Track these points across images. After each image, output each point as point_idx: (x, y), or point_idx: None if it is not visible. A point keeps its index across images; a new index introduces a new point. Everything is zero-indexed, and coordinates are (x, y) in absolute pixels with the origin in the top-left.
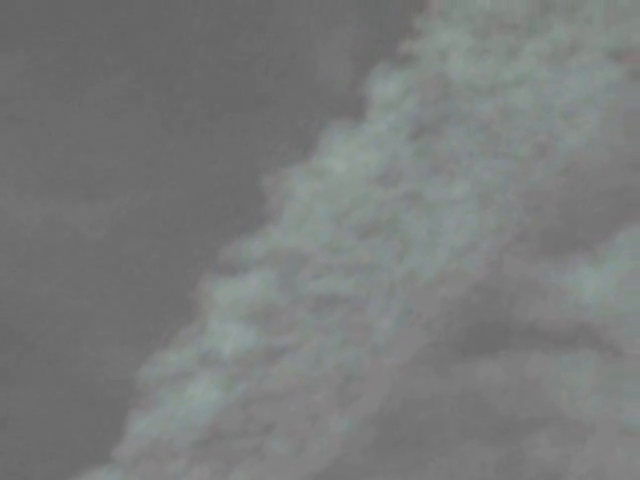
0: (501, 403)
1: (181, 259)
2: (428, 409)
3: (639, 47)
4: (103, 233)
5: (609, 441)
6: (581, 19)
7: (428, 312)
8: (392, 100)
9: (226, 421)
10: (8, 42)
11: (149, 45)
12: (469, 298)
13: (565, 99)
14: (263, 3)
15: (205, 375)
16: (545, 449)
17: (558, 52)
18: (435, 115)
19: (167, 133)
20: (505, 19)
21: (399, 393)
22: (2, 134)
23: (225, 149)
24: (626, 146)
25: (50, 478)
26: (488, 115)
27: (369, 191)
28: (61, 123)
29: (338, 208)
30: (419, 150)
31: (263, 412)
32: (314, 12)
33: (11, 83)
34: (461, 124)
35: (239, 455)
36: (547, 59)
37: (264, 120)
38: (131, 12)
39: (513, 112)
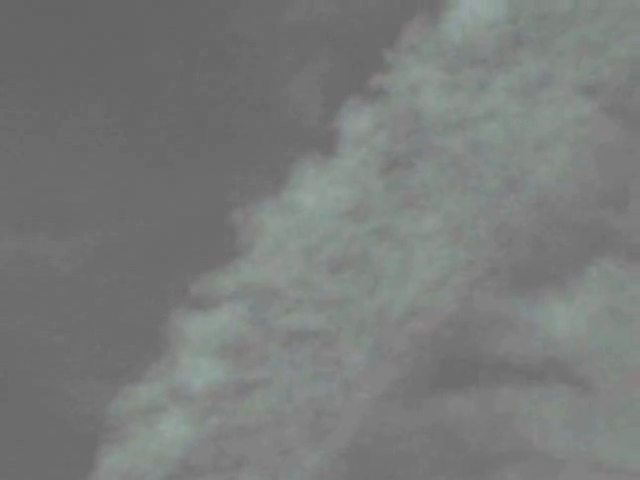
0: (472, 437)
1: (152, 293)
2: (399, 443)
3: (610, 82)
4: (74, 267)
5: (580, 476)
6: (552, 53)
7: (399, 346)
8: (363, 134)
9: (197, 456)
10: None
11: (120, 80)
12: (440, 333)
13: (536, 133)
14: (235, 38)
15: (176, 409)
16: None
17: (529, 86)
18: (406, 149)
19: (138, 167)
20: (476, 53)
21: (370, 427)
22: None
23: (196, 183)
24: (597, 181)
25: None
26: (459, 150)
27: (340, 226)
28: (32, 158)
29: (309, 243)
30: (390, 185)
31: (234, 446)
32: (285, 47)
33: None
34: (432, 159)
35: None
36: (518, 93)
37: (235, 154)
38: (103, 47)
39: (484, 146)
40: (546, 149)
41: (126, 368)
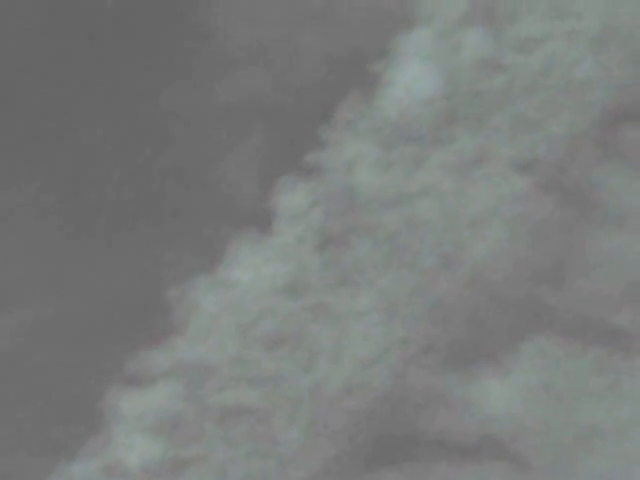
0: None
1: (87, 370)
2: None
3: (545, 158)
4: (8, 344)
5: None
6: (487, 130)
7: (334, 423)
8: (298, 211)
9: None
10: None
11: (54, 156)
12: (375, 409)
13: (471, 210)
14: (169, 115)
15: None
16: None
17: (464, 163)
18: (341, 226)
19: (72, 244)
20: (411, 130)
21: None
22: None
23: (131, 260)
24: (532, 257)
25: None
26: (394, 226)
27: (275, 303)
28: None
29: (244, 320)
30: (325, 261)
31: None
32: (220, 124)
33: None
34: (367, 235)
35: None
36: (453, 170)
37: (170, 231)
38: (36, 122)
39: (419, 223)
40: (481, 226)
41: (61, 445)
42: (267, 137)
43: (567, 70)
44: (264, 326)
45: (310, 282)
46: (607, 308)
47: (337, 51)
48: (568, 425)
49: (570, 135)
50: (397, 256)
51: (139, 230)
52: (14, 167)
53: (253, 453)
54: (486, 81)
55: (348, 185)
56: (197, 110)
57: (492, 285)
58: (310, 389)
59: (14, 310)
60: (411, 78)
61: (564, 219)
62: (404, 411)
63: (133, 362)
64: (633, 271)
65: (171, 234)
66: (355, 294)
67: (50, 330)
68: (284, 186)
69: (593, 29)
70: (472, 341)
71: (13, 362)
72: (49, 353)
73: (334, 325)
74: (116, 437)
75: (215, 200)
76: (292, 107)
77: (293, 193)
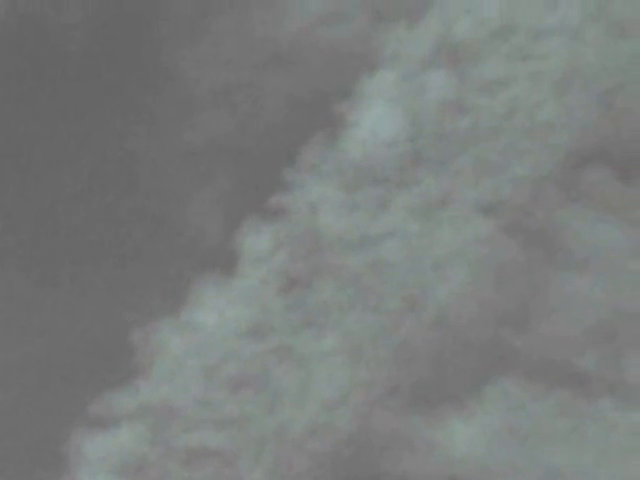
0: None
1: (51, 413)
2: None
3: (509, 201)
4: None
5: None
6: (452, 172)
7: (298, 465)
8: (263, 254)
9: None
10: None
11: (18, 199)
12: (339, 451)
13: (435, 252)
14: (134, 157)
15: None
16: None
17: (428, 205)
18: (305, 269)
19: (37, 286)
20: (375, 172)
21: None
22: None
23: (95, 302)
24: (496, 300)
25: None
26: (358, 268)
27: (239, 345)
28: None
29: (209, 362)
30: (289, 304)
31: None
32: (184, 166)
33: None
34: (331, 278)
35: None
36: (417, 212)
37: (135, 273)
38: (0, 165)
39: (383, 265)
40: (446, 268)
41: None
42: (231, 179)
43: (531, 112)
44: (229, 368)
45: (274, 324)
46: (571, 351)
47: (301, 93)
48: (532, 467)
49: (534, 177)
50: (361, 298)
51: (103, 272)
52: None
53: None
54: (450, 123)
55: (312, 227)
56: (162, 152)
57: (456, 327)
58: (275, 431)
59: None
60: (375, 120)
61: (528, 262)
62: (368, 453)
63: (97, 404)
64: (596, 314)
65: (136, 276)
66: (319, 336)
67: (15, 372)
68: (248, 228)
69: (557, 71)
70: (436, 383)
71: None
72: (14, 395)
73: (298, 367)
74: (80, 479)
75: (180, 242)
76: (256, 149)
77: (257, 235)
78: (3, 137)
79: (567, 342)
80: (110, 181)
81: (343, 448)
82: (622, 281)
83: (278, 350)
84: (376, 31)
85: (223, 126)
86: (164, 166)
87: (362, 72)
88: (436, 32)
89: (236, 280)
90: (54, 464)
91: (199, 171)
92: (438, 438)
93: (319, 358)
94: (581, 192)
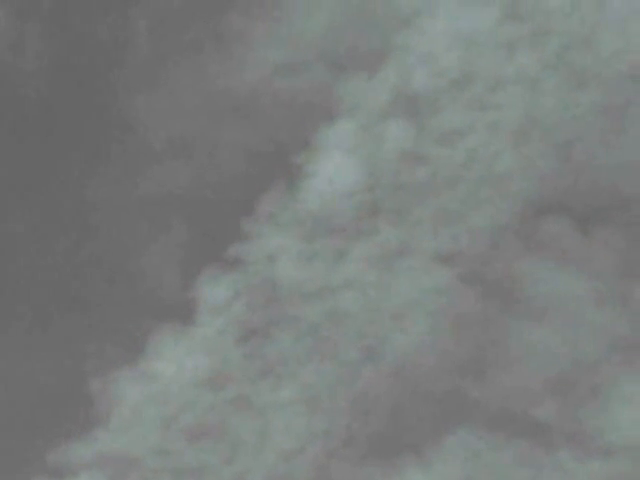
0: None
1: (10, 462)
2: None
3: (467, 250)
4: None
5: None
6: (409, 222)
7: None
8: (220, 304)
9: None
10: None
11: None
12: None
13: (393, 302)
14: (91, 207)
15: None
16: None
17: (386, 255)
18: (263, 319)
19: None
20: (333, 222)
21: None
22: None
23: (53, 352)
24: (454, 350)
25: None
26: (316, 319)
27: (197, 394)
28: None
29: (166, 411)
30: (247, 354)
31: None
32: (142, 216)
33: None
34: (289, 328)
35: None
36: (375, 262)
37: (92, 323)
38: None
39: (341, 316)
40: (404, 318)
41: None
42: (189, 229)
43: (489, 162)
44: (186, 418)
45: (232, 374)
46: (529, 401)
47: (259, 144)
48: None
49: (492, 227)
50: (319, 348)
51: (61, 322)
52: None
53: None
54: (408, 173)
55: (270, 277)
56: (119, 202)
57: (415, 377)
58: None
59: None
60: (333, 170)
61: (486, 311)
62: None
63: (56, 453)
64: (554, 364)
65: (93, 326)
66: (277, 386)
67: None
68: (206, 278)
69: (514, 121)
70: (394, 433)
71: None
72: None
73: (256, 417)
74: None
75: (137, 292)
76: (214, 200)
77: (215, 285)
78: None
79: (526, 392)
80: (67, 230)
81: None
82: (581, 331)
83: (236, 400)
84: (334, 81)
85: (181, 176)
86: (122, 215)
87: (320, 122)
88: (394, 82)
89: (194, 330)
90: None
91: (157, 221)
92: None
93: (277, 408)
94: (539, 242)
